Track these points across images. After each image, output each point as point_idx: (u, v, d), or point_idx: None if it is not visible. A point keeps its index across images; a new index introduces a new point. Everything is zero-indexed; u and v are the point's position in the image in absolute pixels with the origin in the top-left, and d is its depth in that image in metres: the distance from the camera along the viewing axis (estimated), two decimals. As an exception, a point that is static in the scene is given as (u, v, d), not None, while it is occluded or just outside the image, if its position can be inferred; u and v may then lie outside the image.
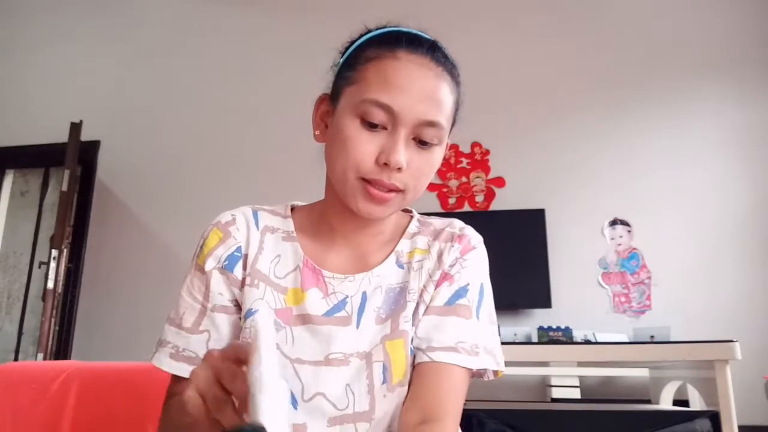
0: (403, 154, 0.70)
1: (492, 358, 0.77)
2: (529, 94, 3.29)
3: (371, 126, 0.71)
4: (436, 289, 0.78)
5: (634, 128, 3.16)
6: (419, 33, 0.76)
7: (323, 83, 0.81)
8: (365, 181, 0.71)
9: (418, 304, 0.78)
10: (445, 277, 0.79)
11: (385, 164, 0.70)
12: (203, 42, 3.73)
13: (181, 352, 0.75)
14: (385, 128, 0.71)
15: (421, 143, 0.72)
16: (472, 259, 0.81)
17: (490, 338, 0.78)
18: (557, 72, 3.29)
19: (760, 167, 3.01)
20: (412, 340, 0.76)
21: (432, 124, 0.71)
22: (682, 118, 3.13)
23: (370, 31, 0.78)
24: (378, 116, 0.70)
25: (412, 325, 0.77)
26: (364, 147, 0.70)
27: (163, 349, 0.77)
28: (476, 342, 0.76)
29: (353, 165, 0.71)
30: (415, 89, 0.70)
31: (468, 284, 0.79)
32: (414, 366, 0.75)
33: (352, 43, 0.79)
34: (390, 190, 0.72)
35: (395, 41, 0.73)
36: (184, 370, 0.74)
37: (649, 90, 3.18)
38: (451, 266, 0.80)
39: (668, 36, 3.25)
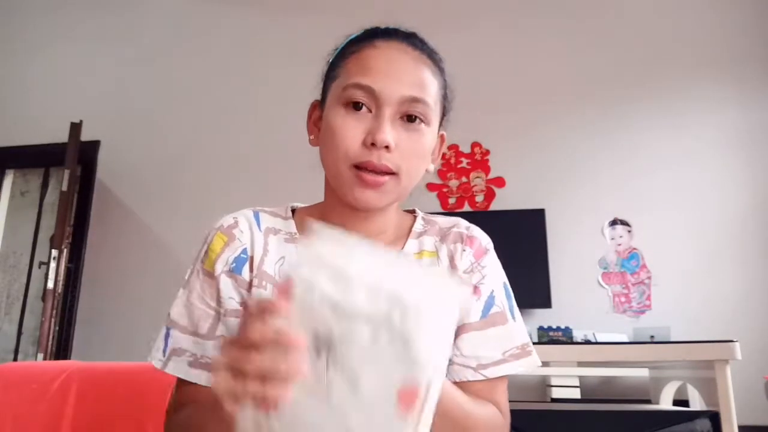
0: (390, 132, 0.71)
1: (535, 353, 0.80)
2: (529, 94, 3.29)
3: (355, 107, 0.72)
4: None
5: (634, 128, 3.15)
6: (397, 27, 0.78)
7: (321, 85, 0.82)
8: (357, 168, 0.71)
9: None
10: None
11: (373, 144, 0.70)
12: (203, 42, 3.73)
13: (200, 359, 0.75)
14: (370, 111, 0.72)
15: (409, 120, 0.73)
16: (489, 265, 0.82)
17: (526, 333, 0.82)
18: (557, 72, 3.29)
19: (760, 167, 3.01)
20: (451, 359, 0.77)
21: (416, 99, 0.72)
22: (682, 118, 3.13)
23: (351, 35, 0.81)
24: (360, 96, 0.71)
25: None
26: (351, 132, 0.71)
27: (179, 357, 0.75)
28: (524, 341, 0.79)
29: (343, 152, 0.71)
30: (394, 70, 0.72)
31: (493, 291, 0.80)
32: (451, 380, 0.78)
33: (337, 49, 0.81)
34: (383, 173, 0.72)
35: (373, 34, 0.76)
36: (202, 377, 0.74)
37: (649, 90, 3.18)
38: (468, 273, 0.80)
39: (668, 36, 3.24)
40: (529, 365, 0.78)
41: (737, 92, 3.11)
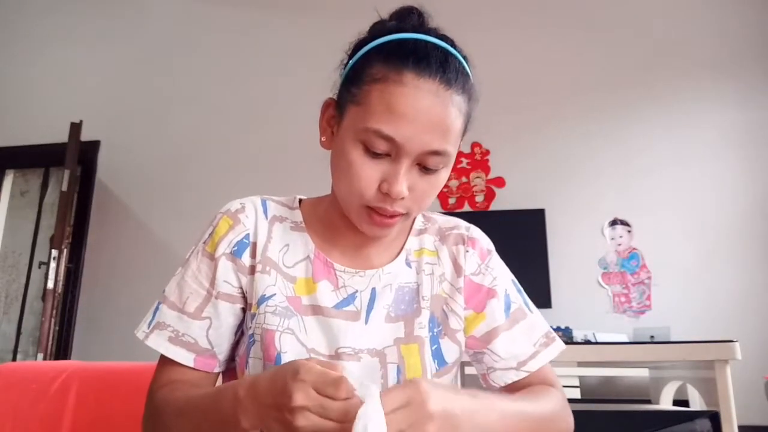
0: (405, 183, 0.69)
1: (557, 337, 0.85)
2: (529, 94, 3.28)
3: (374, 155, 0.70)
4: (480, 310, 0.82)
5: (634, 128, 3.15)
6: (430, 41, 0.72)
7: (325, 85, 0.80)
8: (369, 207, 0.72)
9: (447, 316, 0.80)
10: (479, 289, 0.82)
11: (387, 194, 0.70)
12: (203, 42, 3.73)
13: (180, 337, 0.76)
14: (388, 155, 0.70)
15: (426, 169, 0.71)
16: (496, 266, 0.85)
17: (545, 321, 0.86)
18: (557, 72, 3.29)
19: (759, 167, 3.01)
20: (492, 367, 0.82)
21: (437, 153, 0.70)
22: (682, 118, 3.13)
23: (378, 31, 0.74)
24: (381, 146, 0.69)
25: (458, 342, 0.81)
26: (367, 174, 0.70)
27: (161, 331, 0.77)
28: (546, 330, 0.84)
29: (357, 192, 0.71)
30: (421, 119, 0.67)
31: (507, 289, 0.84)
32: (485, 381, 0.83)
33: (360, 44, 0.76)
34: (393, 216, 0.72)
35: (402, 60, 0.69)
36: (180, 355, 0.76)
37: (649, 90, 3.18)
38: (478, 275, 0.83)
39: (668, 36, 3.24)
40: (557, 350, 0.83)
41: (736, 92, 3.11)
